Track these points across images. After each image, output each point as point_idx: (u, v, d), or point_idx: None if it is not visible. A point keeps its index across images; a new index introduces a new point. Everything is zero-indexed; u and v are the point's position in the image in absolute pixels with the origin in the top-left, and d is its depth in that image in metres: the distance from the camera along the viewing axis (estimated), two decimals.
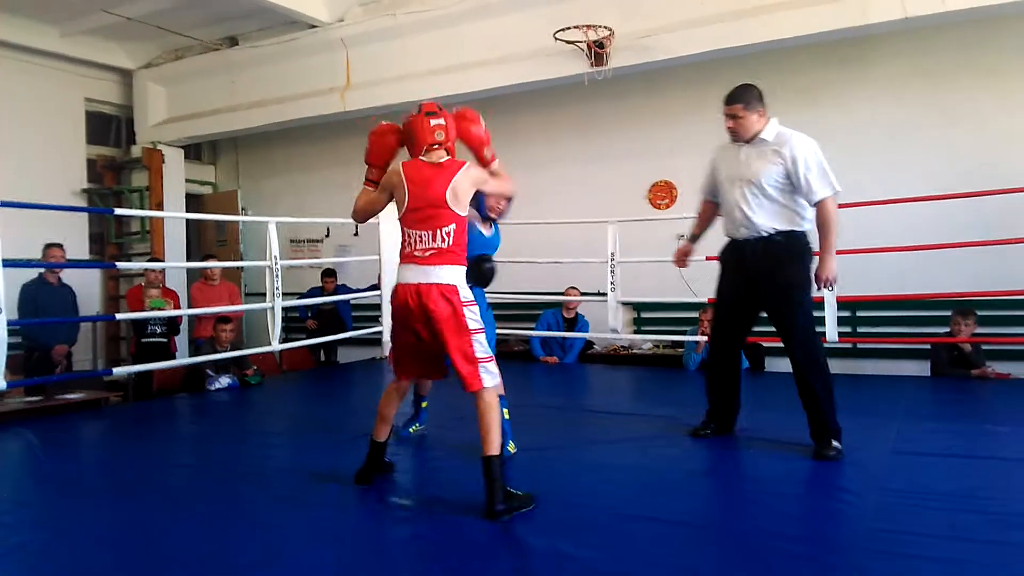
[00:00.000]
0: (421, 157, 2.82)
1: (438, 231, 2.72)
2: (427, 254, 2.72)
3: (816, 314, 3.35)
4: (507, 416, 3.43)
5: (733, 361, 3.66)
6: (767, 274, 3.35)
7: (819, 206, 3.28)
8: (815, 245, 3.39)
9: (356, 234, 8.06)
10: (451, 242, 2.73)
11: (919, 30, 5.67)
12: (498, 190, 3.09)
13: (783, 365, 6.17)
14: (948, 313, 5.45)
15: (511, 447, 3.38)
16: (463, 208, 2.77)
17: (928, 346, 5.58)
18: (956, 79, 6.00)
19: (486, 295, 3.64)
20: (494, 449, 2.59)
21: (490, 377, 2.71)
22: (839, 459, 3.20)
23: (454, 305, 2.69)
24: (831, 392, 3.30)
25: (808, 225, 3.36)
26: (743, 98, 3.35)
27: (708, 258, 5.89)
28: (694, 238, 3.84)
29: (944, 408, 4.59)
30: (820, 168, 3.25)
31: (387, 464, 3.07)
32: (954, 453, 3.32)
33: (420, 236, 2.74)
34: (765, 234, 3.35)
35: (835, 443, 3.25)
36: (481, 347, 2.71)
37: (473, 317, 2.72)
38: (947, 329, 5.46)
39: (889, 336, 6.10)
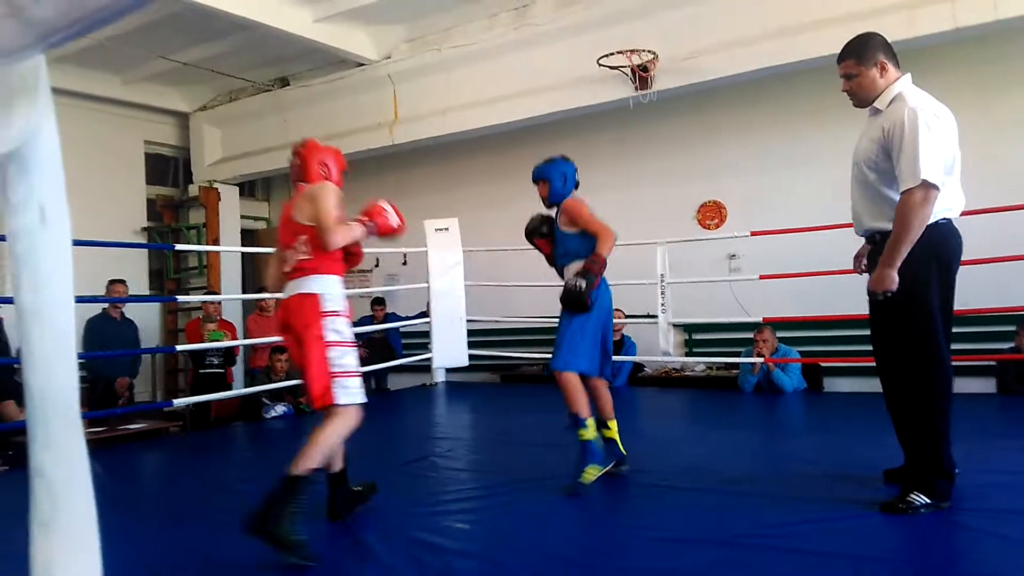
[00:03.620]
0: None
1: (294, 246, 2.67)
2: (294, 269, 2.67)
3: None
4: (591, 436, 3.10)
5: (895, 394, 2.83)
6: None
7: (900, 197, 2.47)
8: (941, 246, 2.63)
9: (404, 263, 8.21)
10: (307, 250, 2.63)
11: (968, 41, 5.55)
12: (339, 230, 2.67)
13: (843, 385, 6.08)
14: (1013, 328, 5.26)
15: (593, 472, 3.06)
16: (304, 216, 2.65)
17: (994, 363, 5.38)
18: (1006, 90, 5.85)
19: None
20: (301, 468, 2.39)
21: (344, 392, 2.51)
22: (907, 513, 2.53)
23: (310, 314, 2.56)
24: (934, 428, 2.63)
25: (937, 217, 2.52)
26: (854, 51, 2.70)
27: (761, 276, 5.85)
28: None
29: (1013, 427, 4.41)
30: (914, 148, 2.41)
31: (357, 493, 2.86)
32: None
33: (287, 257, 2.70)
34: (868, 235, 2.69)
35: (917, 496, 2.54)
36: (339, 360, 2.53)
37: (334, 328, 2.56)
38: (1012, 344, 5.26)
39: (952, 353, 5.87)
